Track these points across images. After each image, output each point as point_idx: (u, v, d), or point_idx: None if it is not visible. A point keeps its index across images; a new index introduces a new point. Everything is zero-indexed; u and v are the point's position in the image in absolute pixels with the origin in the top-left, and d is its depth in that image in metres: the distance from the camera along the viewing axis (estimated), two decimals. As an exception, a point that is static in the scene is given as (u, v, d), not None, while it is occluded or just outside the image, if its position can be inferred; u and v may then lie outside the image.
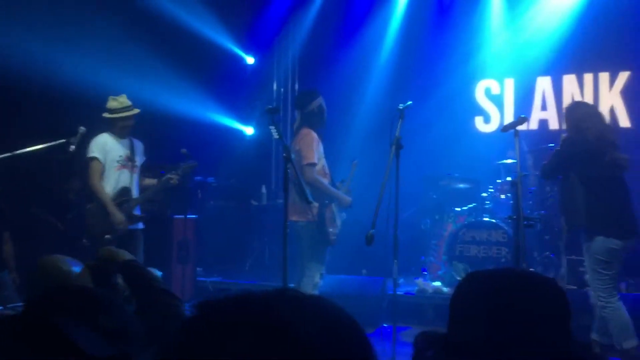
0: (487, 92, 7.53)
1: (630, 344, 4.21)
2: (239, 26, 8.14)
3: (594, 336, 4.43)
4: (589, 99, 6.72)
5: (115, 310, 1.35)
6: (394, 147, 4.34)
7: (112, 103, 5.02)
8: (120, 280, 2.17)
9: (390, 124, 4.43)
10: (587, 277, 4.55)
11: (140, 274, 2.14)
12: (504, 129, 4.35)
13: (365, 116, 7.47)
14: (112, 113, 5.01)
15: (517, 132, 4.27)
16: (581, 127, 4.32)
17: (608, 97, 6.80)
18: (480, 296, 1.30)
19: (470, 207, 6.47)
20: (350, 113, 7.61)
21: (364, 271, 6.55)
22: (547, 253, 6.09)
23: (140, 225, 5.14)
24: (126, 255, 2.20)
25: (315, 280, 4.76)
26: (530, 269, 4.59)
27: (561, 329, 1.27)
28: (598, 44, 6.67)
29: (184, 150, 5.24)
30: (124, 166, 5.04)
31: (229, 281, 6.64)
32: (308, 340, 0.73)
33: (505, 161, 6.24)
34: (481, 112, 7.54)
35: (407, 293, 5.94)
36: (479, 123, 7.54)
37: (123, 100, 5.05)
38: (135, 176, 5.10)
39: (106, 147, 4.99)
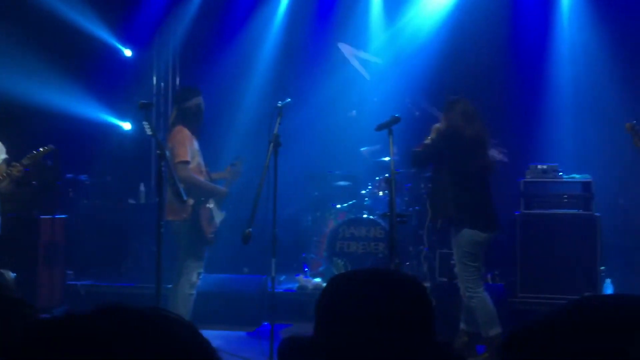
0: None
1: (495, 331, 4.48)
2: (115, 17, 7.78)
3: (462, 326, 4.67)
4: None
5: None
6: (272, 145, 4.33)
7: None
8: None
9: (269, 122, 4.42)
10: (455, 269, 4.79)
11: None
12: (377, 128, 4.45)
13: (246, 113, 7.41)
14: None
15: (391, 131, 4.40)
16: (460, 124, 4.49)
17: None
18: (344, 298, 1.29)
19: (350, 204, 6.61)
20: (232, 109, 7.52)
21: (245, 269, 6.50)
22: (422, 247, 6.35)
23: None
24: None
25: (193, 280, 4.68)
26: (399, 265, 4.70)
27: (423, 328, 1.27)
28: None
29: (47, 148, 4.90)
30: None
31: (103, 284, 6.34)
32: (132, 357, 0.70)
33: (368, 149, 6.43)
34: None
35: (287, 290, 5.97)
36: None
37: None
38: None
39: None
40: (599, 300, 0.79)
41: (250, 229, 4.06)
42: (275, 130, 4.35)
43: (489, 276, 5.86)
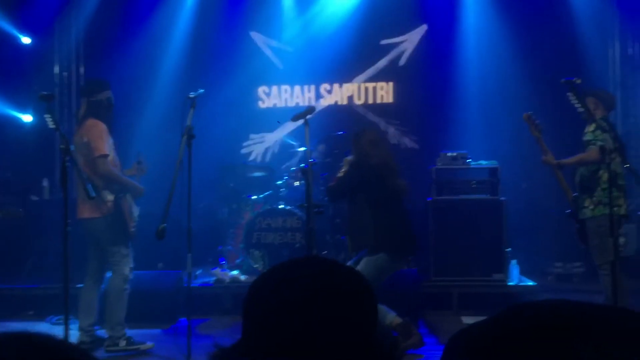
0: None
1: (396, 319, 4.56)
2: (11, 2, 7.29)
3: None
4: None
5: None
6: (185, 137, 4.21)
7: None
8: None
9: (181, 113, 4.30)
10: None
11: None
12: (294, 118, 4.45)
13: (157, 105, 7.16)
14: None
15: (306, 122, 4.40)
16: (368, 153, 4.59)
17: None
18: (277, 293, 1.13)
19: (266, 195, 6.57)
20: (141, 101, 7.26)
21: (160, 265, 6.32)
22: (338, 236, 6.41)
23: None
24: None
25: (126, 274, 4.60)
26: (325, 253, 4.72)
27: (365, 324, 1.14)
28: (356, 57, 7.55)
29: None
30: None
31: (3, 286, 5.96)
32: None
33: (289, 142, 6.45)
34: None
35: (204, 284, 5.87)
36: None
37: None
38: None
39: None
40: (534, 307, 0.78)
41: (165, 224, 3.94)
42: (188, 122, 4.24)
43: (403, 262, 6.00)
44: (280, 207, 6.30)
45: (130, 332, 4.64)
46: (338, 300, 1.11)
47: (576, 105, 4.19)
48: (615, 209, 4.32)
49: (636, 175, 4.53)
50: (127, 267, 4.59)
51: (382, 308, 4.33)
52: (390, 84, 7.78)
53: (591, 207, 4.78)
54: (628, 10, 7.85)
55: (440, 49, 7.70)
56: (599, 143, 4.65)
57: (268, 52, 7.71)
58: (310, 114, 4.44)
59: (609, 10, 7.98)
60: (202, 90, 4.43)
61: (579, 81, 4.09)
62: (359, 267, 4.49)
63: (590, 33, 7.77)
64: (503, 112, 7.24)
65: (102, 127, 4.51)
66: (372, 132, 4.87)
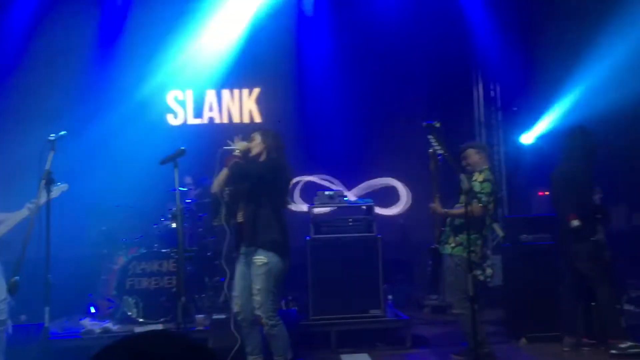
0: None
1: (291, 355, 4.57)
2: None
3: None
4: (237, 105, 8.39)
5: None
6: (43, 182, 3.98)
7: None
8: None
9: (39, 156, 4.06)
10: (256, 298, 4.65)
11: None
12: (162, 162, 4.32)
13: (13, 147, 6.80)
14: None
15: (176, 164, 4.30)
16: (279, 154, 4.57)
17: (248, 104, 8.41)
18: None
19: (140, 238, 6.33)
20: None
21: (22, 317, 5.85)
22: (217, 278, 6.28)
23: None
24: None
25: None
26: (185, 304, 4.41)
27: None
28: (241, 68, 8.16)
29: None
30: None
31: None
32: None
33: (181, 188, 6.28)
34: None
35: (71, 336, 5.50)
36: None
37: None
38: None
39: None
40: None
41: (17, 277, 3.66)
42: (48, 166, 4.01)
43: (283, 302, 5.97)
44: (156, 250, 6.08)
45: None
46: None
47: (436, 148, 4.41)
48: (472, 254, 4.58)
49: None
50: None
51: None
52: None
53: (452, 244, 5.05)
54: (489, 56, 8.49)
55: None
56: (484, 200, 4.95)
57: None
58: (180, 156, 4.35)
59: (472, 56, 8.59)
60: (64, 132, 4.22)
61: (438, 124, 4.32)
62: (259, 280, 4.39)
63: (456, 77, 8.32)
64: (378, 154, 7.55)
65: None
66: (274, 133, 4.82)
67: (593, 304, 5.62)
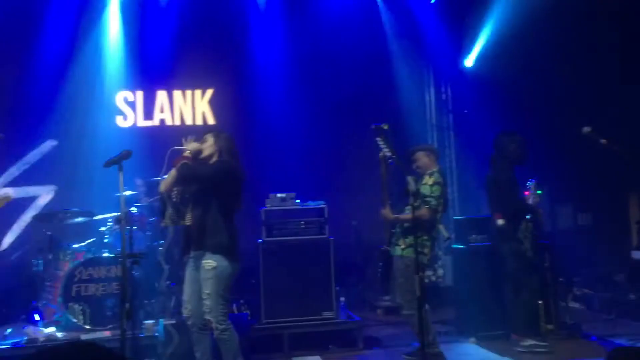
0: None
1: (241, 359, 4.53)
2: None
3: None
4: (189, 106, 8.30)
5: None
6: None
7: None
8: None
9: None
10: (207, 303, 4.57)
11: None
12: (106, 164, 4.21)
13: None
14: None
15: (121, 167, 4.20)
16: (231, 157, 4.49)
17: (201, 105, 8.31)
18: None
19: (88, 243, 6.17)
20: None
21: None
22: (168, 282, 6.18)
23: None
24: None
25: None
26: (129, 310, 4.23)
27: None
28: (194, 69, 8.14)
29: None
30: None
31: None
32: None
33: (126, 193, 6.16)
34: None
35: (14, 345, 5.31)
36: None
37: None
38: None
39: None
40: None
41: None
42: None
43: (234, 306, 5.91)
44: (105, 255, 5.94)
45: None
46: None
47: (384, 150, 4.43)
48: (421, 256, 4.64)
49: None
50: None
51: None
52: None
53: (402, 246, 5.09)
54: (441, 60, 8.62)
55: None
56: (433, 203, 5.01)
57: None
58: (126, 158, 4.25)
59: (424, 60, 8.71)
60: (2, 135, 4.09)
61: (386, 127, 4.34)
62: (209, 284, 4.34)
63: (408, 81, 8.43)
64: (329, 153, 7.57)
65: None
66: (231, 139, 4.71)
67: (540, 302, 5.76)
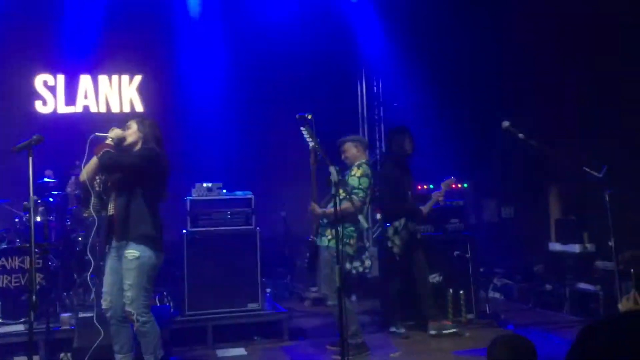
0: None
1: (161, 353, 4.40)
2: None
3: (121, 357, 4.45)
4: (115, 93, 8.07)
5: None
6: None
7: None
8: None
9: None
10: (127, 294, 4.41)
11: None
12: (14, 149, 3.98)
13: None
14: None
15: (30, 152, 3.98)
16: (156, 144, 4.34)
17: (128, 92, 8.12)
18: None
19: (2, 233, 5.87)
20: None
21: None
22: (86, 274, 5.95)
23: None
24: None
25: None
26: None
27: None
28: (122, 53, 7.94)
29: None
30: None
31: None
32: None
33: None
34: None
35: None
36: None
37: None
38: None
39: None
40: None
41: None
42: None
43: (157, 298, 5.77)
44: (18, 245, 5.66)
45: None
46: None
47: (308, 140, 4.41)
48: (347, 247, 4.69)
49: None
50: None
51: None
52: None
53: (329, 237, 5.09)
54: (372, 54, 8.69)
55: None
56: (361, 195, 5.03)
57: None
58: (36, 143, 4.04)
59: (356, 53, 8.75)
60: None
61: (309, 116, 4.31)
62: (130, 275, 4.19)
63: (340, 74, 8.46)
64: (260, 144, 7.50)
65: None
66: (156, 126, 4.55)
67: (462, 291, 5.90)
